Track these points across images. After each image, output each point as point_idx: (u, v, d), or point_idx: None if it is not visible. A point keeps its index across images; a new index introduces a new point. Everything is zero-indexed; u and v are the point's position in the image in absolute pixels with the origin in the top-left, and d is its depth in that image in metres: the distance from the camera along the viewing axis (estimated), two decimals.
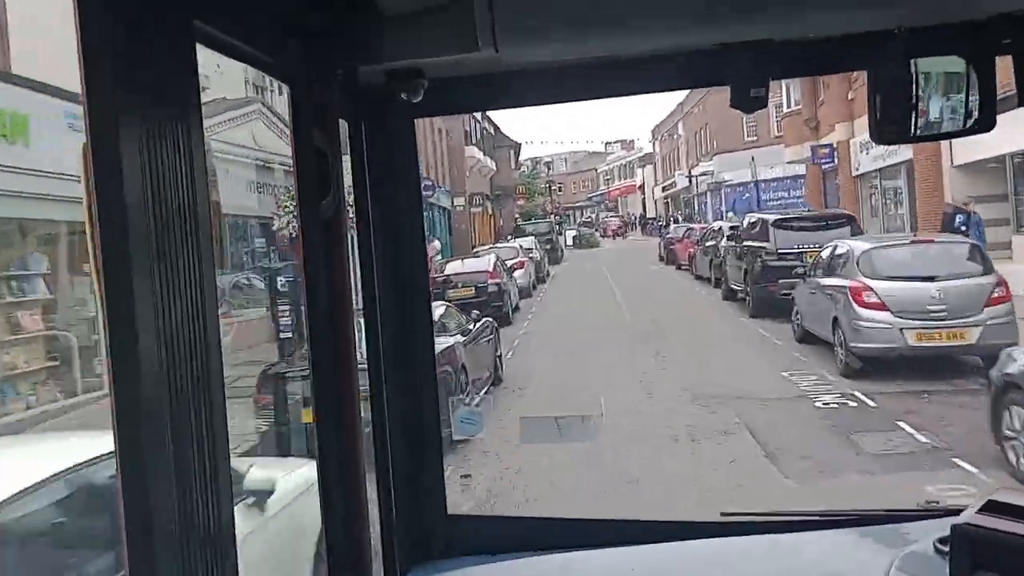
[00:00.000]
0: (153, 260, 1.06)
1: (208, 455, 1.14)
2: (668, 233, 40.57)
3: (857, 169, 32.37)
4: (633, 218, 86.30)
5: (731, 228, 24.26)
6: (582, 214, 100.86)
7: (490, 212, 55.36)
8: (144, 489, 1.03)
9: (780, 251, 16.83)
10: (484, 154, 52.73)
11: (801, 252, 16.29)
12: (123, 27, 1.03)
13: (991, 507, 1.71)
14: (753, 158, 47.09)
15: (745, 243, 19.27)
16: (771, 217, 18.98)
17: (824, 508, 2.54)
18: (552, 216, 59.80)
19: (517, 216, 61.12)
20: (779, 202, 57.61)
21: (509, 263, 24.25)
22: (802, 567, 2.10)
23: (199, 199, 1.14)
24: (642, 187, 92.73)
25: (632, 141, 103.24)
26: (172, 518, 1.07)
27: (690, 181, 71.44)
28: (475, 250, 29.31)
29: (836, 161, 34.34)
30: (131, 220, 1.02)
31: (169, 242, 1.09)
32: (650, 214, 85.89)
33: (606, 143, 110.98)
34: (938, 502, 2.33)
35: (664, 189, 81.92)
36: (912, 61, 1.75)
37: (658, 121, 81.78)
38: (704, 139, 64.61)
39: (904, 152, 26.28)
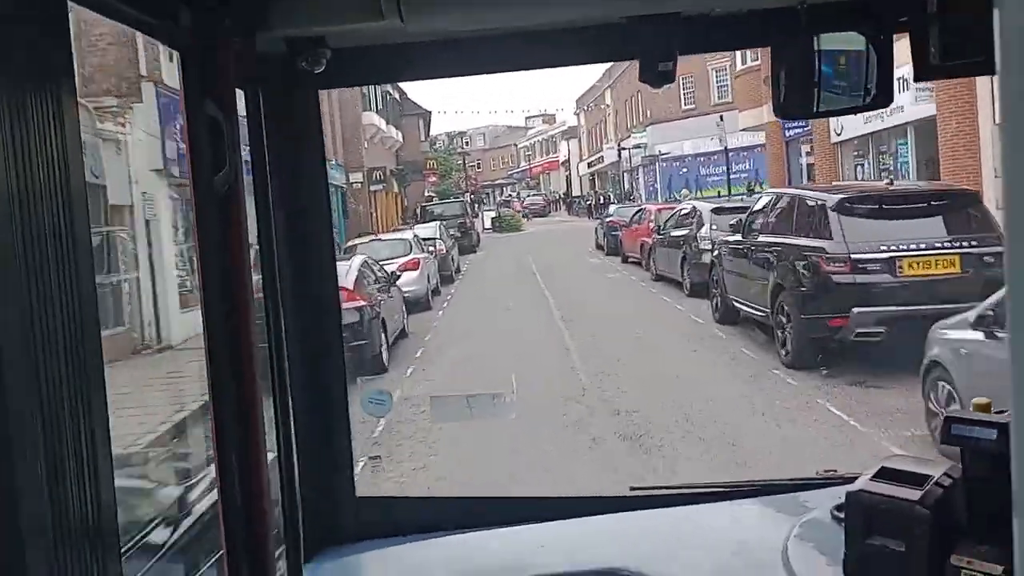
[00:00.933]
0: (20, 243, 0.97)
1: (87, 447, 1.05)
2: (609, 216, 32.49)
3: (838, 134, 26.14)
4: (557, 196, 79.80)
5: (717, 212, 16.64)
6: (501, 192, 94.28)
7: (395, 190, 47.77)
8: (13, 486, 0.95)
9: (854, 256, 9.54)
10: (387, 123, 45.08)
11: (894, 257, 9.31)
12: None
13: (884, 474, 1.73)
14: (722, 118, 40.21)
15: (768, 241, 11.75)
16: (830, 197, 10.70)
17: (728, 480, 2.54)
18: (468, 195, 52.39)
19: (432, 195, 53.77)
20: (719, 178, 51.78)
21: (396, 263, 16.87)
22: (707, 538, 2.12)
23: (73, 176, 1.06)
24: (566, 163, 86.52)
25: (554, 115, 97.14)
26: (43, 515, 0.99)
27: (619, 155, 65.22)
28: (355, 243, 21.56)
29: (809, 125, 28.00)
30: None
31: (39, 225, 1.00)
32: (575, 192, 79.68)
33: (527, 117, 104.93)
34: (836, 470, 2.33)
35: (590, 165, 75.62)
36: (814, 38, 1.78)
37: (583, 91, 75.27)
38: (635, 108, 57.83)
39: (915, 108, 20.08)
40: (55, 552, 0.99)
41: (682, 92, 52.60)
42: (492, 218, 46.11)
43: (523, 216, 62.40)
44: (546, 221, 56.87)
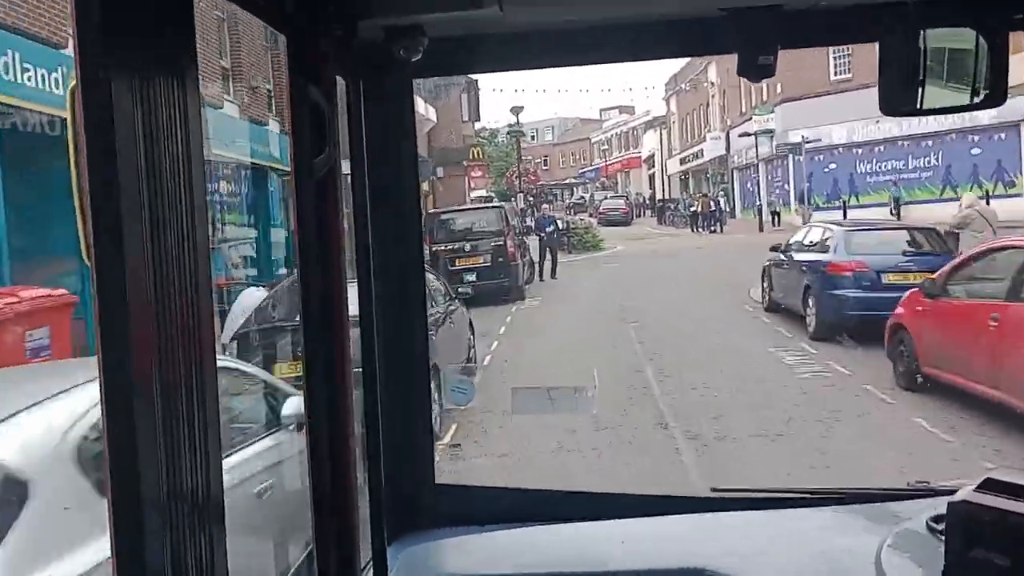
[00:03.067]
0: (144, 211, 1.02)
1: (198, 419, 1.12)
2: (827, 250, 13.62)
3: None
4: (641, 199, 64.51)
5: None
6: (572, 193, 79.40)
7: (425, 188, 33.38)
8: (132, 453, 1.00)
9: None
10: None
11: None
12: None
13: (988, 485, 1.68)
14: None
15: None
16: None
17: (814, 487, 2.43)
18: (519, 196, 37.30)
19: (483, 191, 39.58)
20: (893, 177, 36.07)
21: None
22: (792, 544, 2.08)
23: (193, 150, 1.11)
24: (650, 159, 71.24)
25: (633, 107, 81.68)
26: (159, 483, 1.05)
27: (727, 147, 49.83)
28: None
29: None
30: (120, 169, 0.98)
31: (161, 194, 1.05)
32: (659, 194, 64.31)
33: (603, 109, 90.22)
34: (928, 482, 2.25)
35: (683, 161, 60.24)
36: (922, 33, 1.74)
37: (676, 70, 59.77)
38: (755, 84, 41.29)
39: None
40: (170, 527, 1.06)
41: (831, 57, 37.20)
42: (551, 232, 31.64)
43: (597, 223, 47.62)
44: (632, 233, 41.65)
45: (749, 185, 48.02)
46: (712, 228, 39.44)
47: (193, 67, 1.11)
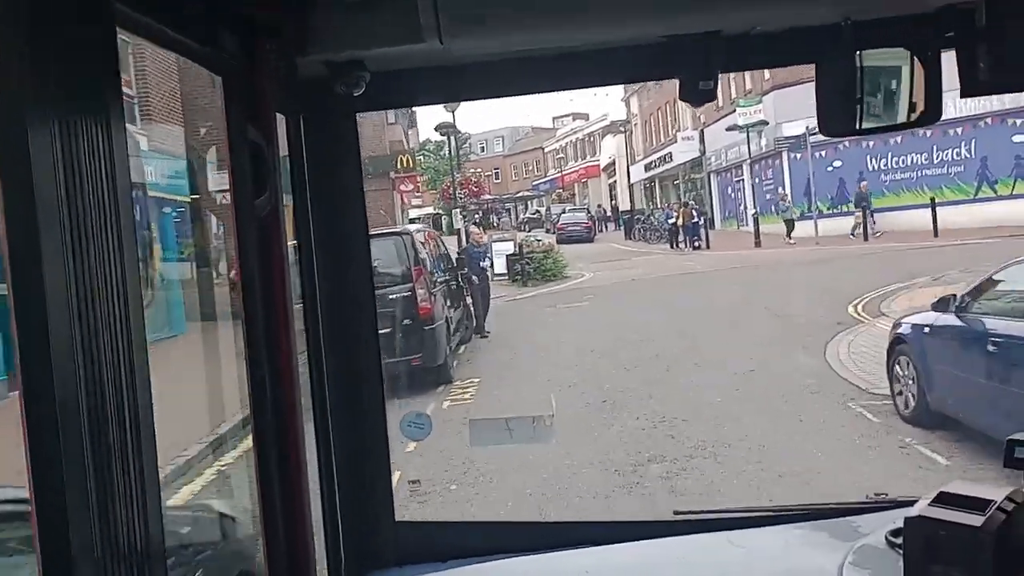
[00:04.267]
0: (69, 261, 0.99)
1: (134, 466, 1.06)
2: None
3: None
4: (602, 212, 57.66)
5: None
6: (526, 207, 72.54)
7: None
8: (60, 505, 0.95)
9: None
10: None
11: None
12: (33, 8, 0.98)
13: (943, 499, 1.69)
14: None
15: None
16: None
17: (775, 504, 2.56)
18: (455, 213, 29.48)
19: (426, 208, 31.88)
20: (913, 174, 29.63)
21: None
22: (756, 563, 2.06)
23: (121, 195, 1.07)
24: (610, 167, 64.68)
25: (587, 115, 75.30)
26: (91, 533, 0.99)
27: (702, 148, 43.24)
28: None
29: None
30: (42, 220, 0.95)
31: (87, 242, 1.02)
32: (623, 205, 57.64)
33: (555, 117, 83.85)
34: (886, 494, 2.28)
35: (649, 167, 53.59)
36: (858, 54, 1.75)
37: None
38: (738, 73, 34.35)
39: None
40: (104, 570, 1.00)
41: None
42: (508, 257, 24.04)
43: (557, 241, 40.58)
44: (599, 253, 34.55)
45: (730, 191, 41.43)
46: (695, 243, 32.57)
47: (119, 111, 1.09)
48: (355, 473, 2.13)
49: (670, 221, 34.02)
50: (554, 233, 45.48)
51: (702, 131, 43.59)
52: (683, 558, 2.12)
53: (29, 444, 0.94)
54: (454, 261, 14.68)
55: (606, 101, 76.73)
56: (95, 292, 1.01)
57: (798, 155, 32.41)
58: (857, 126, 1.78)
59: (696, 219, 33.15)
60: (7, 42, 0.92)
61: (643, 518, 2.71)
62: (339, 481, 1.96)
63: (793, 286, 17.21)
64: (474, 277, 15.19)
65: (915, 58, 1.74)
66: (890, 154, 30.50)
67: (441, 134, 33.00)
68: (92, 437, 0.98)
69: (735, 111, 34.99)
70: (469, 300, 14.83)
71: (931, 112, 1.75)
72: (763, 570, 2.03)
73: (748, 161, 37.00)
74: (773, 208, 33.89)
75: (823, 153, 31.20)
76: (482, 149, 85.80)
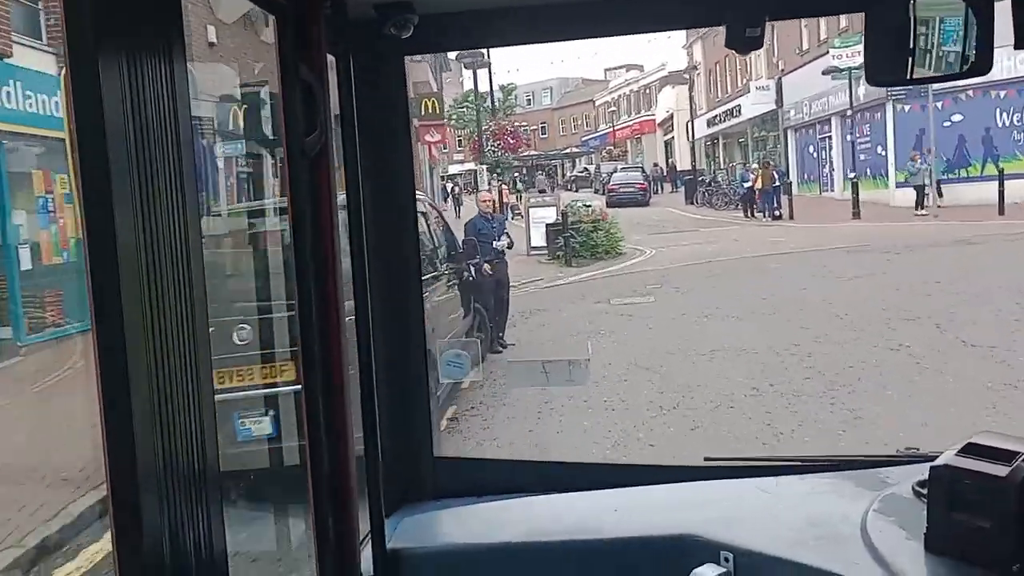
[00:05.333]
0: (135, 191, 1.04)
1: (193, 393, 1.13)
2: None
3: None
4: (659, 171, 52.01)
5: None
6: (573, 165, 67.13)
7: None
8: (127, 426, 1.02)
9: None
10: None
11: None
12: None
13: (970, 450, 1.68)
14: None
15: None
16: None
17: (805, 454, 2.49)
18: (479, 171, 24.12)
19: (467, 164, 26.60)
20: None
21: None
22: (782, 509, 2.06)
23: (182, 129, 1.13)
24: (667, 122, 58.81)
25: (642, 66, 69.14)
26: (155, 457, 1.06)
27: (780, 99, 37.29)
28: None
29: None
30: (111, 151, 1.00)
31: (151, 174, 1.07)
32: (681, 164, 51.92)
33: (606, 69, 77.91)
34: (918, 448, 2.23)
35: (712, 122, 47.71)
36: (910, 2, 1.72)
37: None
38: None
39: None
40: (167, 496, 1.07)
41: None
42: (548, 227, 18.85)
43: (604, 201, 35.33)
44: (658, 221, 29.25)
45: (812, 150, 35.65)
46: (776, 212, 27.07)
47: (180, 49, 1.12)
48: (396, 409, 2.18)
49: (746, 184, 28.47)
50: (604, 195, 40.27)
51: (780, 80, 37.65)
52: (710, 500, 2.12)
53: (100, 377, 1.00)
54: (460, 244, 9.63)
55: (664, 49, 70.62)
56: (158, 225, 1.06)
57: (906, 107, 26.66)
58: (907, 75, 1.73)
59: (776, 183, 27.64)
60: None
61: (674, 463, 2.41)
62: (381, 418, 1.94)
63: (976, 287, 11.86)
64: (485, 266, 10.12)
65: (968, 7, 1.69)
66: None
67: (458, 60, 27.52)
68: (157, 369, 1.05)
69: (828, 53, 29.12)
70: (475, 310, 9.77)
71: (982, 63, 1.69)
72: (787, 516, 2.00)
73: (839, 114, 31.19)
74: (869, 171, 28.20)
75: (940, 104, 25.43)
76: (528, 101, 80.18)
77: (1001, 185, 21.57)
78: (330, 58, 1.71)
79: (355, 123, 1.84)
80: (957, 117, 25.77)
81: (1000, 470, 1.59)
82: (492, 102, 30.70)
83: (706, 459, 2.34)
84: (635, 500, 2.17)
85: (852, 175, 26.04)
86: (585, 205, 20.55)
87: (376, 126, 2.05)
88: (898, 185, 27.49)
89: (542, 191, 29.67)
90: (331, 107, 1.68)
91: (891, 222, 22.56)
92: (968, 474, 1.63)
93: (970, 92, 25.19)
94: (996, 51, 1.69)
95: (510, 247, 11.66)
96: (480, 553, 2.06)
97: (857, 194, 24.67)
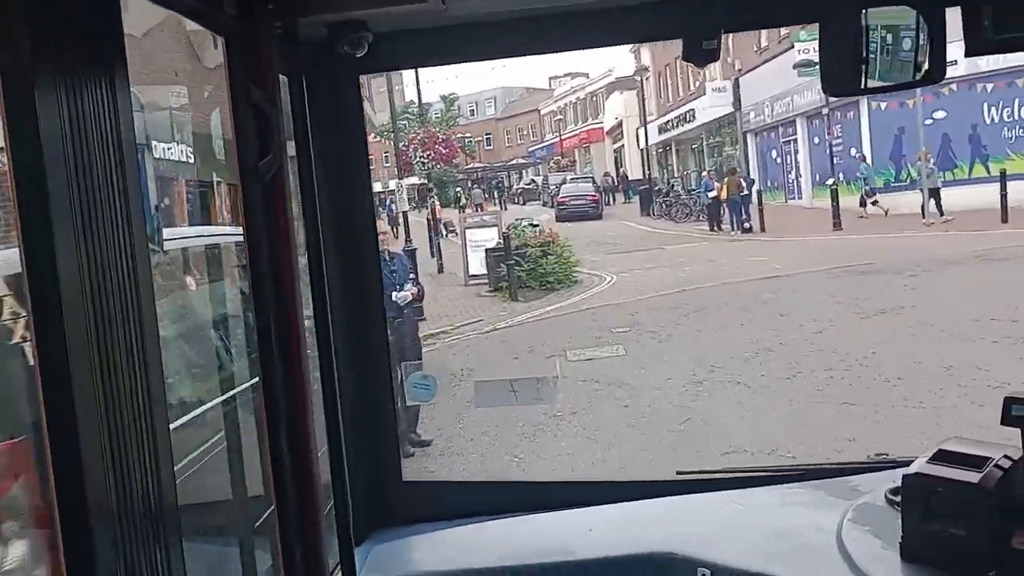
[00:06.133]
0: (77, 217, 1.01)
1: (146, 424, 1.09)
2: None
3: None
4: (610, 181, 49.18)
5: None
6: (520, 177, 64.36)
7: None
8: (77, 464, 0.98)
9: None
10: None
11: None
12: None
13: (941, 456, 1.70)
14: None
15: None
16: None
17: (775, 464, 2.52)
18: (399, 185, 20.45)
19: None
20: None
21: None
22: (757, 522, 2.04)
23: (126, 153, 1.10)
24: (616, 130, 56.31)
25: (587, 73, 66.99)
26: (106, 493, 1.02)
27: (738, 100, 34.64)
28: None
29: None
30: (51, 183, 0.97)
31: (95, 202, 1.04)
32: (632, 173, 49.28)
33: (551, 78, 75.62)
34: (887, 454, 2.24)
35: (664, 128, 45.13)
36: (863, 12, 1.74)
37: None
38: None
39: None
40: (121, 534, 1.02)
41: None
42: (488, 252, 15.58)
43: (557, 219, 32.26)
44: (614, 238, 26.26)
45: (775, 154, 33.04)
46: (745, 224, 24.23)
47: (124, 74, 1.10)
48: (363, 434, 2.15)
49: (710, 194, 25.57)
50: (553, 207, 37.16)
51: (737, 80, 35.06)
52: (684, 515, 2.11)
53: (46, 415, 0.96)
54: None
55: (611, 54, 68.65)
56: (105, 256, 1.03)
57: (883, 104, 24.10)
58: (861, 85, 1.75)
59: (744, 191, 24.80)
60: (10, 11, 0.94)
61: (647, 478, 2.39)
62: (347, 443, 1.89)
63: None
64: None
65: (920, 16, 1.71)
66: (1017, 102, 22.24)
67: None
68: (105, 398, 1.01)
69: (792, 48, 26.50)
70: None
71: (936, 71, 1.71)
72: (762, 527, 1.98)
73: (805, 115, 28.59)
74: (843, 175, 25.54)
75: (921, 101, 22.87)
76: (472, 112, 77.34)
77: (1004, 188, 18.93)
78: (282, 79, 1.70)
79: (310, 144, 1.82)
80: (940, 114, 23.26)
81: (972, 476, 1.60)
82: (420, 109, 27.36)
83: (678, 473, 2.32)
84: (609, 518, 2.14)
85: (831, 181, 23.31)
86: (531, 225, 17.35)
87: (332, 146, 2.05)
88: (877, 190, 24.89)
89: (478, 205, 26.61)
90: (285, 129, 1.64)
91: (879, 233, 19.79)
92: (941, 482, 1.63)
93: (953, 86, 22.65)
94: None
95: (419, 299, 8.37)
96: None
97: (837, 202, 21.92)
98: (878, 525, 1.82)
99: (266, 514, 1.75)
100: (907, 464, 1.75)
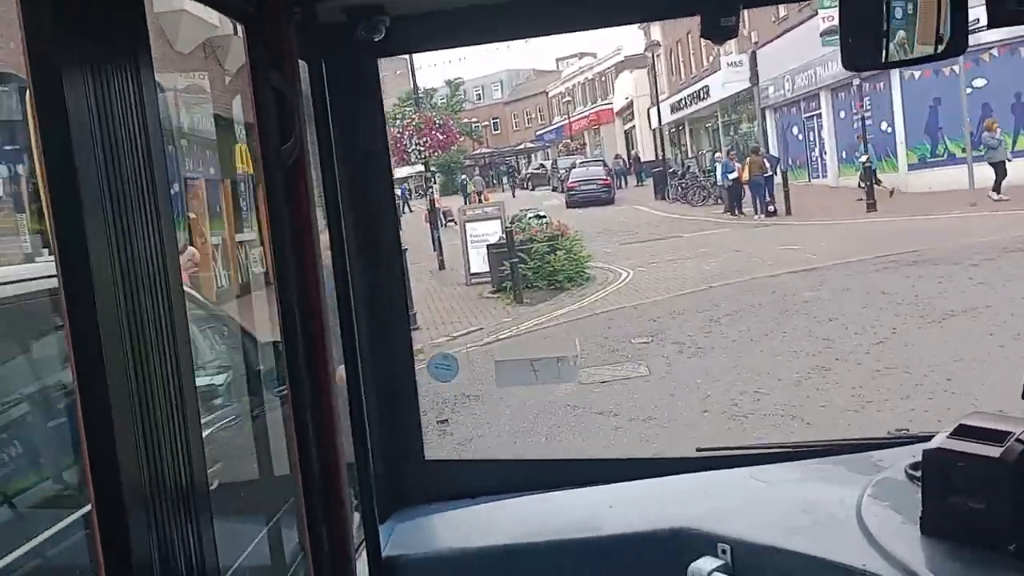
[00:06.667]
0: (106, 205, 1.02)
1: (176, 405, 1.11)
2: None
3: None
4: (621, 164, 47.38)
5: None
6: (528, 161, 62.76)
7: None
8: (110, 444, 1.00)
9: None
10: None
11: None
12: None
13: (962, 431, 1.67)
14: None
15: None
16: None
17: (797, 440, 2.43)
18: None
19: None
20: None
21: None
22: (777, 497, 2.04)
23: (153, 141, 1.11)
24: (625, 111, 54.57)
25: (594, 54, 65.30)
26: (140, 472, 1.04)
27: (755, 75, 32.75)
28: None
29: None
30: (80, 168, 0.98)
31: (122, 187, 1.06)
32: (645, 154, 47.47)
33: (558, 59, 74.08)
34: (908, 430, 2.22)
35: (677, 107, 43.29)
36: None
37: None
38: None
39: None
40: (154, 515, 1.05)
41: None
42: (490, 248, 14.08)
43: (567, 205, 30.75)
44: (629, 222, 24.61)
45: (796, 131, 31.20)
46: (769, 207, 22.50)
47: (148, 61, 1.11)
48: (385, 413, 2.16)
49: (730, 175, 23.81)
50: (563, 192, 35.48)
51: (754, 54, 33.17)
52: (705, 491, 2.10)
53: (80, 398, 0.97)
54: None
55: (619, 32, 66.79)
56: (133, 239, 1.04)
57: (916, 73, 22.25)
58: (883, 59, 1.71)
59: (767, 172, 23.02)
60: (34, 6, 0.94)
61: (667, 455, 2.46)
62: (370, 422, 1.91)
63: None
64: None
65: None
66: None
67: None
68: (137, 379, 1.02)
69: (815, 15, 24.66)
70: None
71: (957, 44, 1.67)
72: (782, 502, 1.99)
73: (830, 88, 26.76)
74: (873, 151, 23.72)
75: (957, 69, 21.04)
76: (478, 97, 75.74)
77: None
78: (302, 64, 1.69)
79: (330, 129, 1.82)
80: (980, 82, 21.40)
81: (993, 451, 1.59)
82: (415, 95, 25.67)
83: (698, 450, 2.32)
84: (630, 495, 2.15)
85: (864, 158, 21.48)
86: (537, 216, 15.74)
87: (352, 130, 2.04)
88: (911, 167, 23.11)
89: (479, 194, 24.93)
90: (305, 114, 1.64)
91: (918, 215, 18.04)
92: (961, 456, 1.62)
93: (995, 51, 20.85)
94: None
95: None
96: (476, 556, 2.03)
97: (871, 180, 20.16)
98: (898, 500, 1.82)
99: (292, 496, 1.63)
100: (927, 439, 1.75)
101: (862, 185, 21.00)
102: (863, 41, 1.71)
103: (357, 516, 1.84)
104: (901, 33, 1.69)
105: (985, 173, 19.52)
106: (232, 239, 13.84)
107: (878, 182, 21.26)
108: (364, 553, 1.87)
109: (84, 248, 0.96)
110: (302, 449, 1.65)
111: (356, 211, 2.06)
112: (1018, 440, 1.59)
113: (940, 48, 1.68)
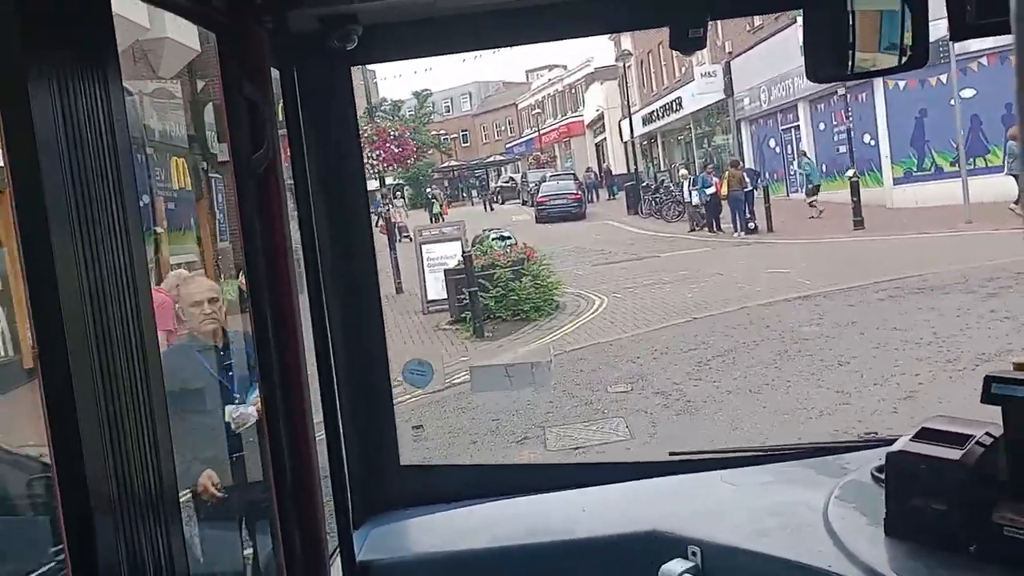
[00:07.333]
0: (73, 214, 1.02)
1: (144, 409, 1.11)
2: None
3: None
4: (593, 177, 46.15)
5: None
6: (498, 174, 61.50)
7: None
8: (78, 453, 0.99)
9: None
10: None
11: None
12: None
13: (924, 434, 1.72)
14: None
15: None
16: None
17: (767, 444, 2.37)
18: None
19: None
20: None
21: None
22: (746, 500, 2.08)
23: (120, 149, 1.10)
24: (596, 123, 53.57)
25: (564, 66, 64.46)
26: (108, 480, 1.04)
27: (730, 86, 31.61)
28: None
29: None
30: (47, 180, 0.98)
31: (89, 196, 1.05)
32: (616, 168, 46.43)
33: (528, 71, 73.33)
34: (876, 433, 2.32)
35: (649, 119, 42.21)
36: None
37: None
38: None
39: None
40: (121, 520, 1.04)
41: None
42: (448, 274, 12.62)
43: (537, 220, 29.44)
44: (603, 240, 23.26)
45: (773, 144, 30.08)
46: (750, 224, 21.23)
47: (115, 69, 1.10)
48: (361, 419, 2.17)
49: (708, 191, 22.49)
50: (533, 207, 34.10)
51: (728, 64, 32.08)
52: (677, 494, 2.15)
53: (46, 398, 0.97)
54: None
55: (589, 43, 66.21)
56: (99, 241, 1.03)
57: (901, 83, 21.14)
58: (848, 71, 1.75)
59: (747, 187, 21.75)
60: (2, 3, 0.93)
61: (639, 459, 2.47)
62: (345, 428, 1.94)
63: None
64: (203, 479, 3.66)
65: (904, 2, 1.70)
66: None
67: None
68: (104, 383, 1.01)
69: (793, 24, 23.52)
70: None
71: (919, 56, 1.72)
72: (752, 505, 2.01)
73: (808, 99, 25.63)
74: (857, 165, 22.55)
75: (944, 78, 19.96)
76: (447, 109, 74.29)
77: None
78: (275, 73, 1.70)
79: (302, 137, 1.84)
80: (968, 92, 20.31)
81: (953, 453, 1.63)
82: (368, 104, 24.23)
83: (671, 454, 2.34)
84: (603, 498, 2.18)
85: (850, 172, 20.27)
86: (501, 238, 14.28)
87: (324, 139, 2.06)
88: (896, 182, 21.99)
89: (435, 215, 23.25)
90: (277, 122, 1.64)
91: (908, 233, 16.84)
92: (923, 459, 1.66)
93: (983, 60, 19.78)
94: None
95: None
96: (452, 561, 2.05)
97: (859, 197, 18.95)
98: (863, 502, 1.85)
99: (265, 500, 1.70)
100: (893, 442, 1.77)
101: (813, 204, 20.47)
102: (827, 52, 1.73)
103: (334, 521, 1.82)
104: (865, 45, 1.70)
105: (979, 188, 18.43)
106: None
107: (813, 203, 20.71)
108: (339, 559, 1.88)
109: (51, 259, 0.96)
110: (275, 454, 1.65)
111: (329, 218, 2.07)
112: (978, 443, 1.63)
113: (904, 59, 1.71)
